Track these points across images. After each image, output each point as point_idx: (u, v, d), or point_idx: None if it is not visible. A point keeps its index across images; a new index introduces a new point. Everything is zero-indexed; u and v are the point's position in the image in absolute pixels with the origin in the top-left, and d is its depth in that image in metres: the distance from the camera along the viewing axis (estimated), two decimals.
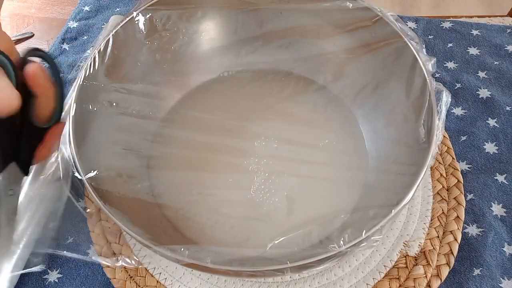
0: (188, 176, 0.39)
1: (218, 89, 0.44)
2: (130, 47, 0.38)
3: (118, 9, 0.57)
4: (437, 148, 0.30)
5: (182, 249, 0.27)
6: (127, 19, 0.37)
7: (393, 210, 0.27)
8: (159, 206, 0.37)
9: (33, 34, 0.57)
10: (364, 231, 0.27)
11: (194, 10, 0.40)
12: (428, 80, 0.31)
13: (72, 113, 0.33)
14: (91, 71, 0.34)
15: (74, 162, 0.30)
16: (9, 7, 0.60)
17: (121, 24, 0.36)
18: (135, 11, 0.37)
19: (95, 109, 0.35)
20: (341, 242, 0.26)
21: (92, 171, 0.31)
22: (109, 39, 0.36)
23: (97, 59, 0.35)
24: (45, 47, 0.56)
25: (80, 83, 0.34)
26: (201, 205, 0.38)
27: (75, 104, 0.33)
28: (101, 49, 0.35)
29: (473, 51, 0.50)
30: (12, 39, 0.55)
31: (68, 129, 0.32)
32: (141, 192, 0.37)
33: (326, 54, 0.41)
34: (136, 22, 0.37)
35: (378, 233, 0.27)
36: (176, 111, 0.42)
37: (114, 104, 0.37)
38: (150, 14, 0.37)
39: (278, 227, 0.36)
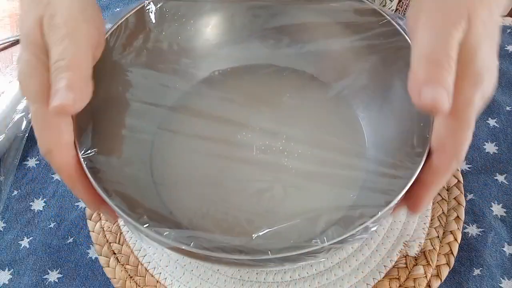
0: (187, 164, 0.39)
1: (223, 82, 0.44)
2: (138, 35, 0.38)
3: (118, 9, 0.57)
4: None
5: (167, 232, 0.27)
6: (138, 7, 0.37)
7: (379, 212, 0.27)
8: (158, 192, 0.37)
9: None
10: (348, 229, 0.27)
11: (204, 3, 0.41)
12: None
13: None
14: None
15: (74, 143, 0.30)
16: (9, 7, 0.60)
17: (131, 12, 0.36)
18: (146, 0, 0.37)
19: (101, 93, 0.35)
20: (324, 238, 0.27)
21: (90, 150, 0.30)
22: (120, 25, 0.36)
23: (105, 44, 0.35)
24: None
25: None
26: (196, 192, 0.38)
27: None
28: (110, 35, 0.35)
29: None
30: (12, 39, 0.56)
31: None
32: (140, 176, 0.37)
33: (332, 53, 0.41)
34: (147, 10, 0.37)
35: (365, 232, 0.27)
36: (180, 101, 0.42)
37: (121, 88, 0.37)
38: (160, 4, 0.38)
39: (267, 220, 0.36)
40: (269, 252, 0.26)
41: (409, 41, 0.34)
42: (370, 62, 0.39)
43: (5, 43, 0.56)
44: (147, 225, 0.27)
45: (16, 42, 0.56)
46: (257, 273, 0.36)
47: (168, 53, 0.41)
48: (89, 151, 0.30)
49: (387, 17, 0.35)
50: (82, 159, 0.29)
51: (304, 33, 0.42)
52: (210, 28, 0.43)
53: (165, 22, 0.39)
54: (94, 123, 0.33)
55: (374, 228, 0.28)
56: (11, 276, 0.38)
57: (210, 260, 0.28)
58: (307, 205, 0.36)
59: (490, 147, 0.43)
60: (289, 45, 0.43)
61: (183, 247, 0.26)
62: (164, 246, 0.28)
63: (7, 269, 0.38)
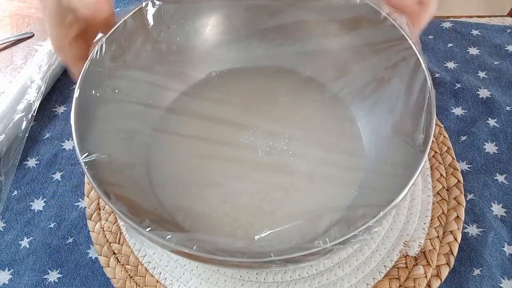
0: (187, 165, 0.39)
1: (221, 83, 0.44)
2: (137, 36, 0.38)
3: (118, 9, 0.57)
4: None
5: (169, 236, 0.27)
6: (136, 8, 0.37)
7: (381, 212, 0.27)
8: (155, 193, 0.38)
9: (33, 34, 0.57)
10: (351, 229, 0.27)
11: (202, 4, 0.41)
12: (429, 84, 0.31)
13: (76, 95, 0.33)
14: (97, 57, 0.34)
15: (74, 146, 0.30)
16: (9, 7, 0.60)
17: (130, 14, 0.36)
18: (144, 1, 0.37)
19: (98, 94, 0.35)
20: (327, 239, 0.27)
21: (91, 155, 0.31)
22: (117, 26, 0.36)
23: (104, 46, 0.35)
24: (44, 47, 0.56)
25: (86, 68, 0.34)
26: (196, 195, 0.38)
27: (78, 90, 0.33)
28: (109, 37, 0.35)
29: (473, 51, 0.50)
30: (12, 39, 0.56)
31: (70, 114, 0.32)
32: (141, 178, 0.37)
33: (330, 52, 0.41)
34: (145, 12, 0.37)
35: (367, 232, 0.27)
36: (178, 102, 0.42)
37: (117, 91, 0.37)
38: (158, 5, 0.38)
39: (269, 221, 0.36)
40: (271, 254, 0.26)
41: (408, 40, 0.34)
42: (368, 61, 0.39)
43: (5, 43, 0.56)
44: (149, 228, 0.27)
45: (16, 42, 0.56)
46: (257, 273, 0.36)
47: (167, 54, 0.41)
48: (90, 156, 0.30)
49: (385, 15, 0.35)
50: (83, 163, 0.29)
51: (303, 32, 0.42)
52: (208, 28, 0.43)
53: (164, 24, 0.39)
54: (93, 126, 0.33)
55: (377, 229, 0.28)
56: (11, 276, 0.38)
57: (213, 262, 0.28)
58: (308, 205, 0.36)
59: (490, 147, 0.43)
60: (287, 45, 0.43)
61: (186, 251, 0.27)
62: (167, 249, 0.28)
63: (7, 269, 0.38)
